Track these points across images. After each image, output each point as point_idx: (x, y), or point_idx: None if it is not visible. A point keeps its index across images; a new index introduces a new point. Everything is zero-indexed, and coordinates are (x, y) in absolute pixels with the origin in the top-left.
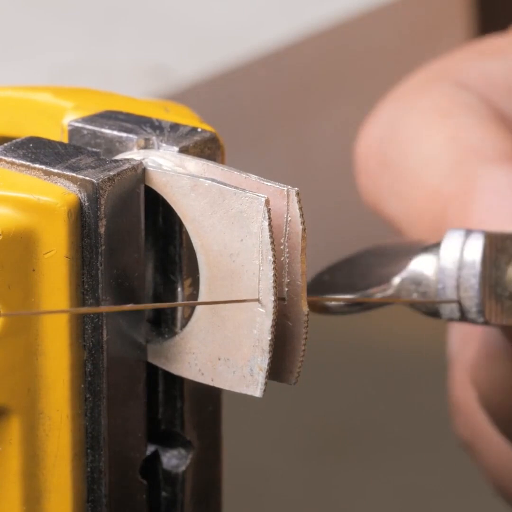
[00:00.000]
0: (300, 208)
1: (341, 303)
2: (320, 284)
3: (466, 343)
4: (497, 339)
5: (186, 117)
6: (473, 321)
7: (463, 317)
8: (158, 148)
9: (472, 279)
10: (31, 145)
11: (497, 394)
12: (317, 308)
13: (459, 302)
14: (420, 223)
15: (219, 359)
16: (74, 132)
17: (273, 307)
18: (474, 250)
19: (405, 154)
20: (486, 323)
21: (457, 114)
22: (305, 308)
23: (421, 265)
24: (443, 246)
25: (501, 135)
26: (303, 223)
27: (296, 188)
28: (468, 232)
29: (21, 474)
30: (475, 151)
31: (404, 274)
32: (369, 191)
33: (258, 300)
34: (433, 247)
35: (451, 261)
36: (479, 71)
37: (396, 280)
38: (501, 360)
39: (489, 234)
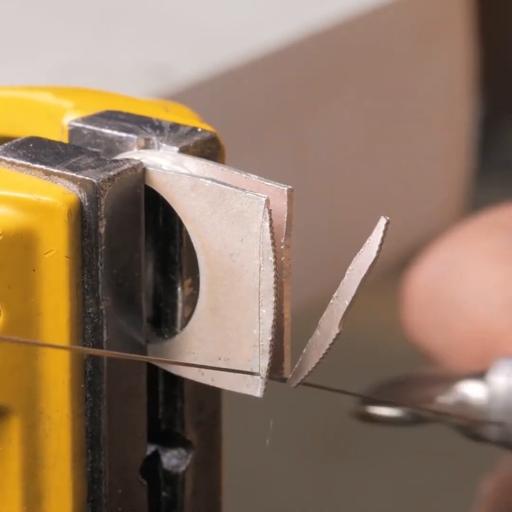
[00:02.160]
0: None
1: (389, 414)
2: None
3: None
4: None
5: (186, 117)
6: None
7: (509, 440)
8: (158, 148)
9: None
10: (31, 145)
11: None
12: (366, 417)
13: (505, 425)
14: (466, 355)
15: (219, 359)
16: (74, 132)
17: (274, 308)
18: None
19: (457, 291)
20: None
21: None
22: (340, 327)
23: (469, 389)
24: (494, 371)
25: None
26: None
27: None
28: None
29: (21, 474)
30: None
31: (452, 395)
32: (414, 324)
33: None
34: (480, 373)
35: (501, 385)
36: None
37: (444, 399)
38: None
39: None
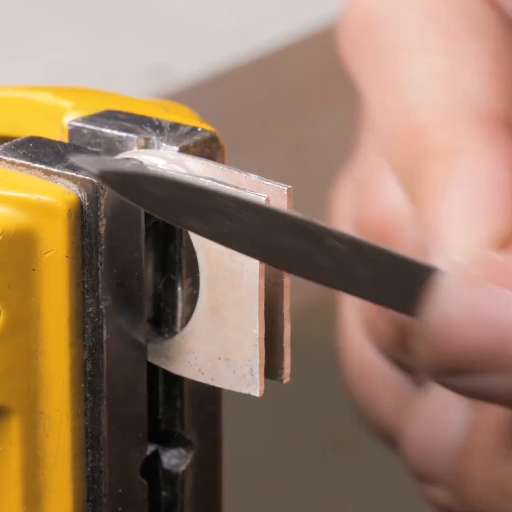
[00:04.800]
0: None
1: None
2: None
3: None
4: None
5: (186, 117)
6: None
7: None
8: (158, 147)
9: None
10: (31, 144)
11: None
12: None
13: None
14: (387, 140)
15: (219, 358)
16: (74, 131)
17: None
18: None
19: (396, 55)
20: None
21: (462, 40)
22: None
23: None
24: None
25: (500, 91)
26: None
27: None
28: None
29: (21, 474)
30: (471, 104)
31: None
32: (348, 57)
33: None
34: None
35: None
36: None
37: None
38: None
39: None
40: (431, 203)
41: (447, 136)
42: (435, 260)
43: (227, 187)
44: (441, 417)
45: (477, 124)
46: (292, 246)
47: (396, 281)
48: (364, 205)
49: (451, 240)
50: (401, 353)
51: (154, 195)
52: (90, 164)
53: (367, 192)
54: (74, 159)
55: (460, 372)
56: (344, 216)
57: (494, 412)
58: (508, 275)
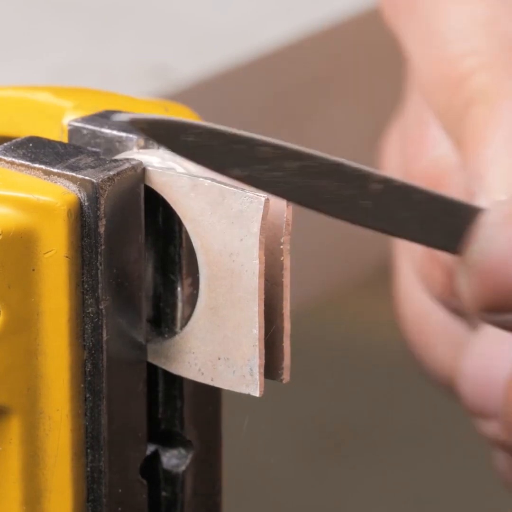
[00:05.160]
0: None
1: None
2: None
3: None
4: None
5: (186, 117)
6: None
7: None
8: (158, 147)
9: None
10: (31, 145)
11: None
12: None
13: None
14: (431, 91)
15: (219, 358)
16: (74, 131)
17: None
18: None
19: (434, 5)
20: None
21: None
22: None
23: None
24: None
25: None
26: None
27: None
28: None
29: (21, 474)
30: (511, 47)
31: None
32: (389, 14)
33: None
34: None
35: None
36: None
37: None
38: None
39: None
40: (473, 146)
41: (489, 80)
42: (479, 201)
43: (227, 186)
44: (493, 353)
45: None
46: (335, 190)
47: (440, 221)
48: (412, 157)
49: (492, 181)
50: (455, 299)
51: (189, 142)
52: (125, 118)
53: (415, 145)
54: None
55: (504, 309)
56: (394, 169)
57: None
58: None
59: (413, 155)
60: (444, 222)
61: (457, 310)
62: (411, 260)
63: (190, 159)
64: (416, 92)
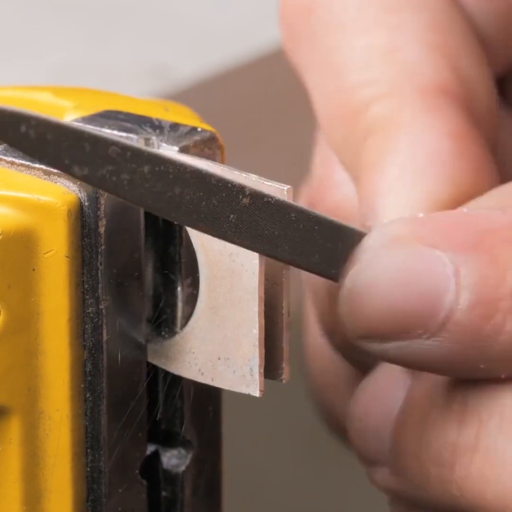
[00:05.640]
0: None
1: None
2: None
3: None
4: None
5: (186, 117)
6: None
7: None
8: (158, 147)
9: None
10: None
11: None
12: None
13: None
14: (329, 125)
15: (219, 358)
16: None
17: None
18: None
19: (332, 36)
20: None
21: (400, 13)
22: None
23: None
24: None
25: (440, 61)
26: None
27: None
28: None
29: (21, 474)
30: (410, 76)
31: None
32: (287, 44)
33: None
34: None
35: None
36: None
37: None
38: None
39: None
40: (368, 179)
41: (386, 110)
42: (368, 229)
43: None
44: (380, 393)
45: (417, 95)
46: (194, 200)
47: (319, 243)
48: (316, 202)
49: (387, 214)
50: (351, 347)
51: (28, 136)
52: None
53: (319, 188)
54: None
55: (384, 337)
56: None
57: (426, 380)
58: (431, 233)
59: (317, 199)
60: (324, 245)
61: (354, 359)
62: (314, 306)
63: (28, 154)
64: (319, 129)
